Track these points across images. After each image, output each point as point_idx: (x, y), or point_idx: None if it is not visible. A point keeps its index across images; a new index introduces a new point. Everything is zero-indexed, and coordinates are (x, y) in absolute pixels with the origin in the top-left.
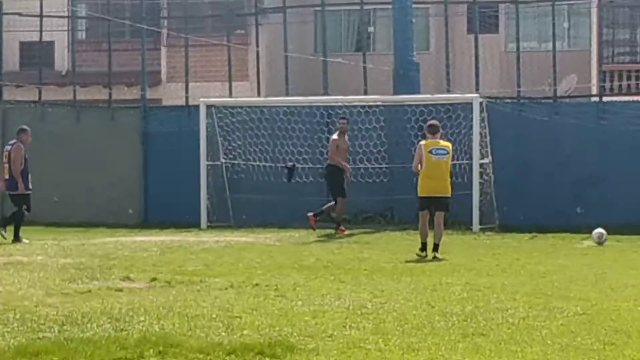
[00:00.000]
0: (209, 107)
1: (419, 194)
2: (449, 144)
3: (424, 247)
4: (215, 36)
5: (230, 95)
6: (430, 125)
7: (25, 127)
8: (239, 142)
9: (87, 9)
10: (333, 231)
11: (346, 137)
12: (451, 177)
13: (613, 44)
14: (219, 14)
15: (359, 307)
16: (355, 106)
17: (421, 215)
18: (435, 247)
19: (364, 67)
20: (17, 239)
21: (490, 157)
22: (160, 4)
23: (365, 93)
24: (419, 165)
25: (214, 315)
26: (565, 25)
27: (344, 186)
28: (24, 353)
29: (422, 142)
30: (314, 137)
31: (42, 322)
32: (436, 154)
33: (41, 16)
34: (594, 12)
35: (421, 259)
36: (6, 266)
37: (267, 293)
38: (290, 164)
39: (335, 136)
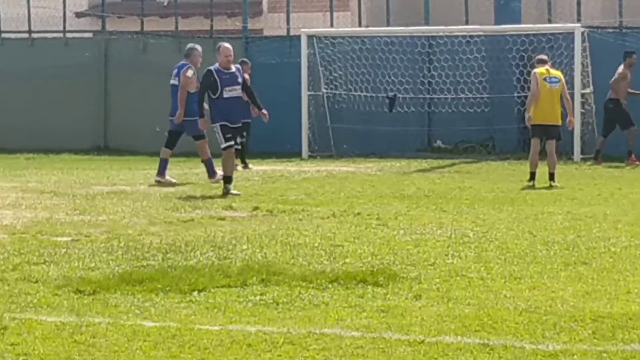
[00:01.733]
0: (310, 37)
1: (532, 122)
2: (559, 72)
3: (532, 177)
4: None
5: (331, 25)
6: (539, 59)
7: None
8: (340, 72)
9: None
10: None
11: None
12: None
13: None
14: None
15: (460, 235)
16: (456, 36)
17: (533, 143)
18: (551, 176)
19: None
20: (246, 165)
21: (591, 87)
22: None
23: (467, 23)
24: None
25: (316, 244)
26: None
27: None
28: (129, 280)
29: (536, 70)
30: (415, 67)
31: (146, 250)
32: (550, 82)
33: None
34: None
35: (527, 188)
36: (109, 195)
37: (369, 222)
38: (391, 94)
39: (620, 69)
